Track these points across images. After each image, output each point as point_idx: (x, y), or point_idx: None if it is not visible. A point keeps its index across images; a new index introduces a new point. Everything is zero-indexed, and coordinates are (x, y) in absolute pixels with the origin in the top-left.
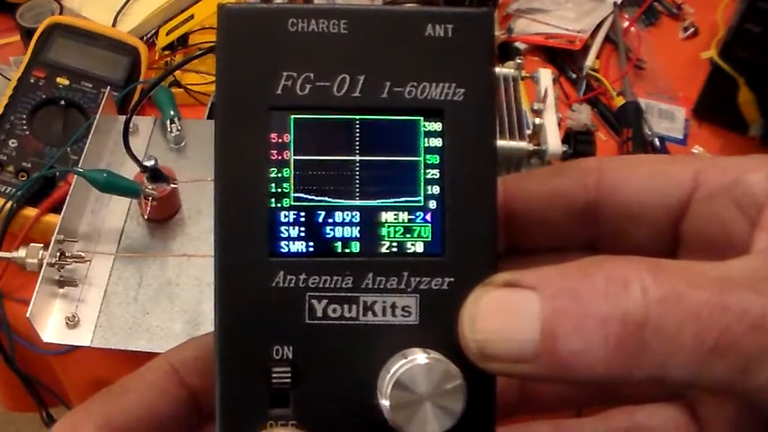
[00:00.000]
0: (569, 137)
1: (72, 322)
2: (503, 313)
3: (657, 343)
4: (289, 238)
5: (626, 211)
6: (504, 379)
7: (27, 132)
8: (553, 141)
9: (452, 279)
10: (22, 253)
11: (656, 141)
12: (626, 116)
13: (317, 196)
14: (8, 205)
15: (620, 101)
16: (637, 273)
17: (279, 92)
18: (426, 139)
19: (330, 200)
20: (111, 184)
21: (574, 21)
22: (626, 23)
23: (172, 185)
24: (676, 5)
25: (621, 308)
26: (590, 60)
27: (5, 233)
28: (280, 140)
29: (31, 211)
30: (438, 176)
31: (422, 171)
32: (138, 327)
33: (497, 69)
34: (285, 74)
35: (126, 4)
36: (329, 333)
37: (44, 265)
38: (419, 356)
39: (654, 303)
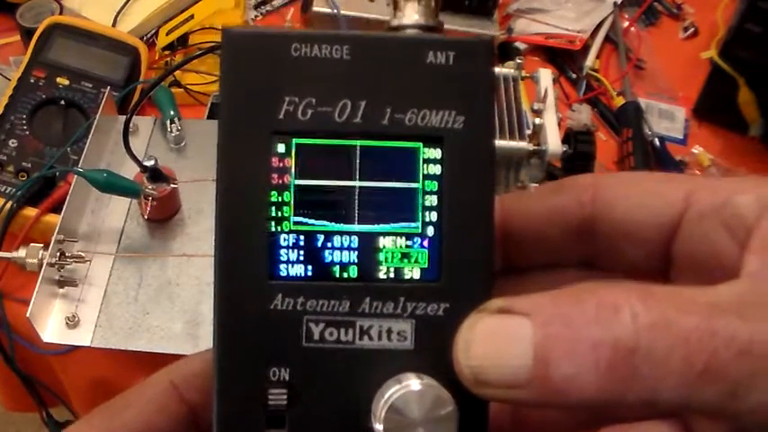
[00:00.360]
0: (569, 137)
1: (72, 322)
2: (496, 339)
3: (648, 368)
4: (288, 262)
5: (620, 228)
6: (496, 404)
7: (27, 132)
8: (553, 141)
9: (448, 305)
10: (22, 253)
11: (656, 141)
12: (626, 116)
13: (316, 221)
14: (8, 205)
15: (620, 101)
16: (627, 299)
17: (281, 116)
18: (425, 166)
19: (329, 224)
20: (111, 184)
21: (574, 21)
22: (626, 23)
23: (172, 185)
24: (676, 5)
25: (612, 333)
26: (590, 60)
27: (5, 233)
28: (281, 165)
29: (31, 211)
30: (436, 203)
31: (420, 197)
32: (138, 327)
33: (497, 69)
34: (287, 98)
35: (126, 4)
36: (326, 356)
37: (44, 265)
38: (413, 382)
39: (644, 329)
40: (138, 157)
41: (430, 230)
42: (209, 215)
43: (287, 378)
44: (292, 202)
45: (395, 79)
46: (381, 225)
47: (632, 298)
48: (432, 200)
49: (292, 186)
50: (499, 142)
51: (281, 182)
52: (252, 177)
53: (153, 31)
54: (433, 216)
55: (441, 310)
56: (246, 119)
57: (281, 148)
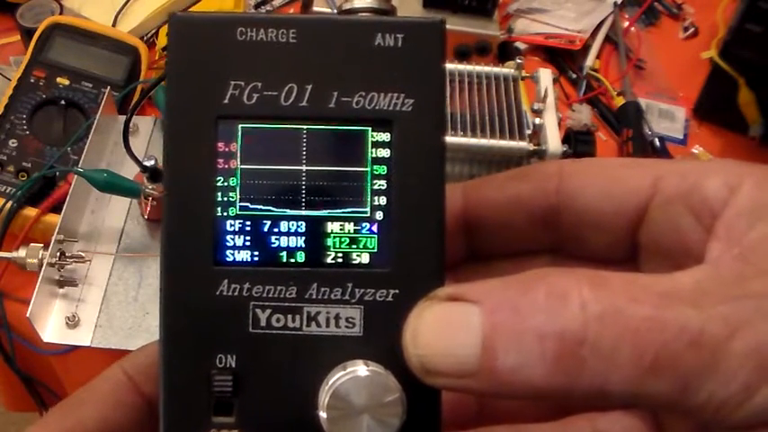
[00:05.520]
0: (569, 137)
1: (72, 322)
2: (445, 327)
3: (595, 360)
4: (234, 247)
5: (584, 217)
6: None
7: (27, 132)
8: (553, 141)
9: (397, 291)
10: (22, 253)
11: (657, 141)
12: (626, 116)
13: (262, 206)
14: (8, 205)
15: (620, 101)
16: (577, 287)
17: (226, 101)
18: (374, 150)
19: (276, 209)
20: (111, 184)
21: (574, 21)
22: (626, 23)
23: None
24: (676, 5)
25: (560, 323)
26: (590, 60)
27: (5, 233)
28: (227, 149)
29: (31, 211)
30: (385, 187)
31: (369, 182)
32: (138, 327)
33: (497, 69)
34: (233, 83)
35: (126, 4)
36: (273, 343)
37: (44, 265)
38: (359, 369)
39: (592, 319)
40: (138, 157)
41: (379, 215)
42: None
43: (233, 365)
44: (238, 187)
45: (342, 62)
46: (329, 210)
47: (583, 286)
48: (381, 184)
49: (238, 171)
50: (499, 142)
51: (226, 166)
52: (197, 162)
53: (153, 31)
54: (382, 200)
55: (390, 296)
56: (192, 103)
57: (226, 132)
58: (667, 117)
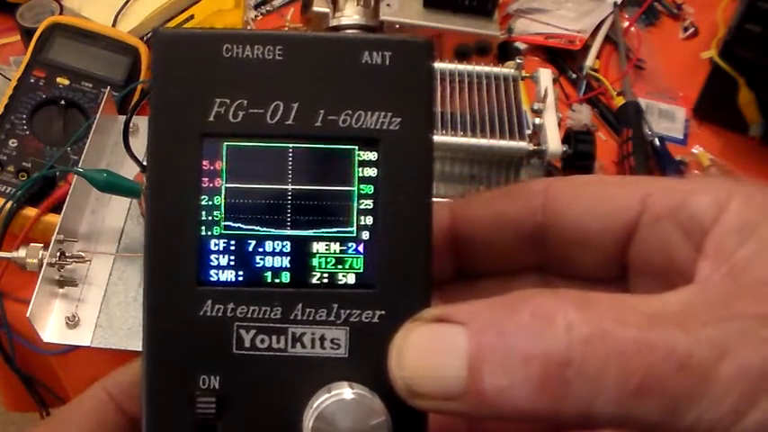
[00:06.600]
0: (569, 137)
1: (72, 322)
2: (431, 349)
3: (581, 382)
4: (218, 267)
5: (571, 236)
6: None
7: (27, 132)
8: (553, 141)
9: (383, 312)
10: (22, 253)
11: (656, 141)
12: (626, 116)
13: (247, 225)
14: (8, 205)
15: (620, 101)
16: (563, 309)
17: (211, 118)
18: (360, 169)
19: (261, 229)
20: (111, 184)
21: (574, 21)
22: (626, 23)
23: None
24: (676, 5)
25: (544, 346)
26: (590, 60)
27: (5, 233)
28: (212, 167)
29: (31, 211)
30: (372, 207)
31: (355, 201)
32: (138, 327)
33: (497, 69)
34: (218, 100)
35: (126, 4)
36: (257, 364)
37: (44, 265)
38: (344, 391)
39: (578, 341)
40: (138, 157)
41: (365, 235)
42: None
43: (216, 386)
44: (223, 205)
45: (329, 80)
46: (315, 229)
47: (568, 308)
48: (367, 203)
49: (223, 190)
50: (499, 142)
51: (211, 185)
52: (182, 180)
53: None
54: (369, 220)
55: (376, 317)
56: (177, 120)
57: (211, 150)
58: (667, 117)
